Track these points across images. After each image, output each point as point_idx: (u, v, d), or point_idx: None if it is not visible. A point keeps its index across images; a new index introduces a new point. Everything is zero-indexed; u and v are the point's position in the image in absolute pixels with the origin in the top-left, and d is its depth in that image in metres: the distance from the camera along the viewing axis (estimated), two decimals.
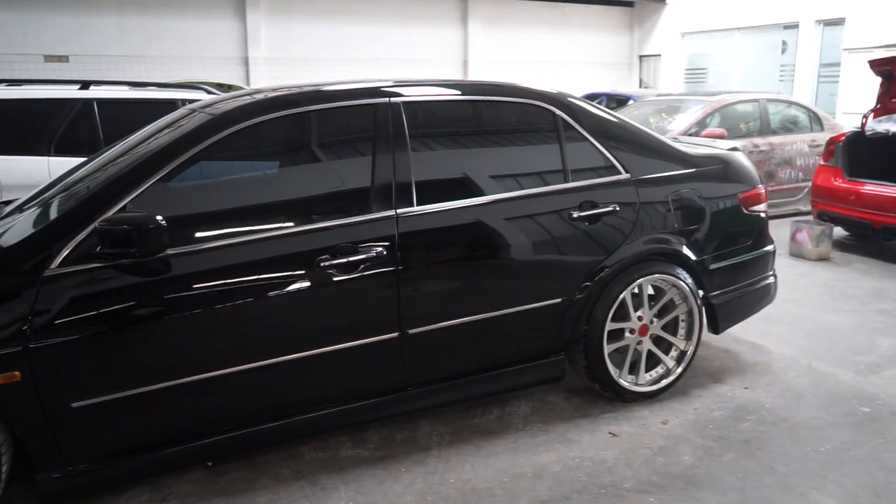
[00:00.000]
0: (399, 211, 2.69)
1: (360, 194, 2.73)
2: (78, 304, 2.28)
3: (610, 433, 2.97)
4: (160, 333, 2.41)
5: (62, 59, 12.48)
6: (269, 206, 2.71)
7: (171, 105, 5.04)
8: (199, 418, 2.56)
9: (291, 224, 2.65)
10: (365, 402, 2.78)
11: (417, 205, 2.73)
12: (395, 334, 2.70)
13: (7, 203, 3.20)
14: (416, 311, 2.74)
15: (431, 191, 2.80)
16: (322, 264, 2.56)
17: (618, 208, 3.08)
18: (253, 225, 2.60)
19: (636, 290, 3.18)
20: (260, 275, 2.53)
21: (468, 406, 3.16)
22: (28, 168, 4.69)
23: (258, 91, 3.04)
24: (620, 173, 3.16)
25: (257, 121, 2.65)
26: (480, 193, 2.90)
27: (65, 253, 2.28)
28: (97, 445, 2.42)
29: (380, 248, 2.63)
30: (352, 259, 2.59)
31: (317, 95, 2.85)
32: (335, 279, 2.58)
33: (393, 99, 2.83)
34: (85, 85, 5.10)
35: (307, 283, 2.57)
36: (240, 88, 6.89)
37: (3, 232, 2.55)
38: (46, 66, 12.29)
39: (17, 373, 2.19)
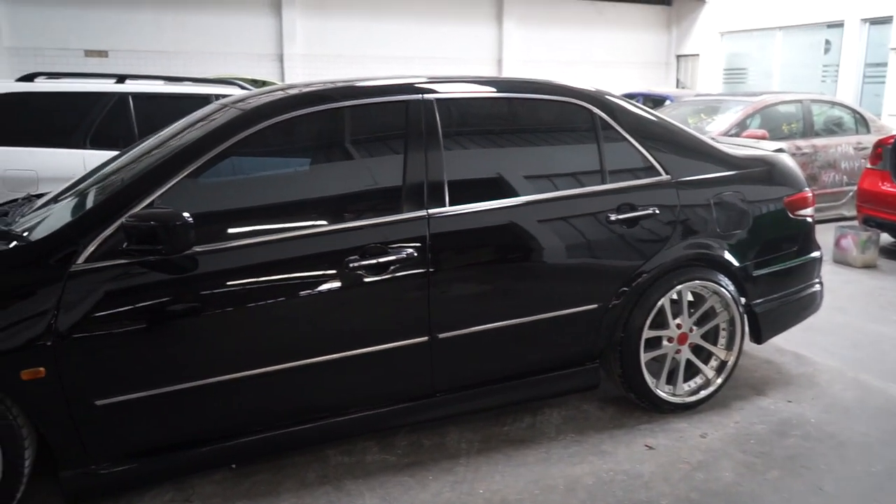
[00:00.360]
0: (431, 211, 2.61)
1: (391, 193, 2.66)
2: (103, 301, 2.25)
3: (646, 446, 2.86)
4: (186, 332, 2.37)
5: (102, 53, 12.66)
6: (298, 203, 2.65)
7: (205, 100, 5.02)
8: (223, 419, 2.51)
9: (320, 223, 2.59)
10: (393, 407, 2.71)
11: (450, 205, 2.65)
12: (425, 338, 2.62)
13: (39, 196, 3.20)
14: (447, 315, 2.65)
15: (464, 191, 2.71)
16: (351, 265, 2.49)
17: (657, 211, 2.96)
18: (281, 223, 2.55)
19: (675, 297, 3.06)
20: (287, 274, 2.47)
21: (498, 413, 3.07)
22: (64, 161, 4.71)
23: (290, 86, 2.99)
24: (660, 175, 3.04)
25: (288, 116, 2.59)
26: (515, 194, 2.80)
27: (91, 248, 2.25)
28: (121, 444, 2.38)
29: (410, 250, 2.55)
30: (381, 260, 2.51)
31: (349, 91, 2.79)
32: (364, 280, 2.51)
33: (426, 96, 2.75)
34: (121, 79, 5.12)
35: (335, 284, 2.50)
36: (272, 84, 6.89)
37: (34, 225, 2.53)
38: (87, 60, 12.49)
39: (41, 368, 2.16)
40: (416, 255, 2.55)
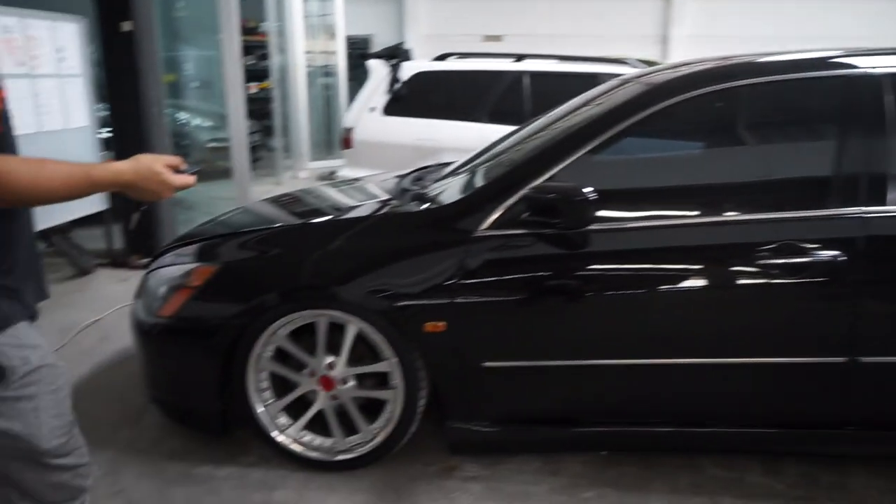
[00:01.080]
0: (866, 209, 2.17)
1: (815, 185, 2.29)
2: (499, 267, 2.32)
3: None
4: (569, 310, 2.35)
5: (497, 38, 13.67)
6: (701, 189, 2.44)
7: (594, 79, 5.01)
8: (595, 405, 2.46)
9: (724, 212, 2.35)
10: (786, 431, 2.37)
11: (892, 204, 2.18)
12: (842, 359, 2.22)
13: (446, 165, 3.48)
14: (875, 337, 2.21)
15: None
16: (758, 262, 2.20)
17: None
18: (680, 208, 2.37)
19: None
20: (682, 264, 2.29)
21: None
22: (465, 133, 5.11)
23: (697, 62, 2.75)
24: None
25: (697, 93, 2.36)
26: None
27: (495, 216, 2.33)
28: (501, 408, 2.47)
29: (836, 252, 2.16)
30: (797, 261, 2.18)
31: (768, 67, 2.46)
32: (772, 282, 2.21)
33: (872, 71, 2.29)
34: (519, 58, 5.37)
35: (736, 282, 2.26)
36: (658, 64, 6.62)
37: (443, 190, 2.73)
38: (483, 45, 13.60)
39: (442, 323, 2.32)
40: (843, 259, 2.15)
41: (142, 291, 2.74)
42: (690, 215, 2.34)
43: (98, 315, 4.18)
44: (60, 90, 4.47)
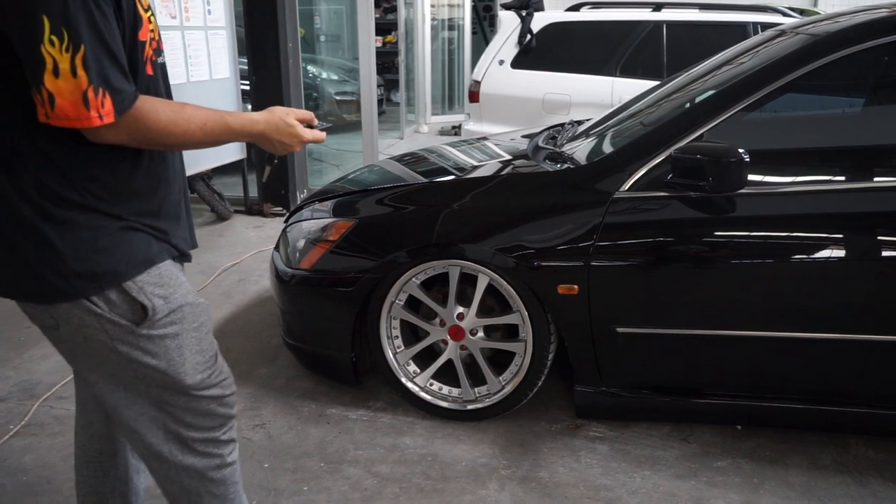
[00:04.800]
0: None
1: None
2: (639, 230, 2.25)
3: None
4: (712, 278, 2.24)
5: None
6: (864, 152, 2.24)
7: (741, 29, 4.70)
8: (730, 376, 2.36)
9: (890, 178, 2.15)
10: None
11: None
12: None
13: (579, 122, 3.38)
14: None
15: None
16: None
17: None
18: (839, 173, 2.20)
19: None
20: (839, 233, 2.13)
21: None
22: (594, 87, 4.95)
23: (864, 9, 2.50)
24: None
25: (868, 46, 2.16)
26: None
27: (636, 177, 2.25)
28: (632, 374, 2.42)
29: None
30: None
31: None
32: None
33: None
34: (657, 7, 5.11)
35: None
36: (814, 13, 6.12)
37: (581, 149, 2.65)
38: None
39: (575, 286, 2.28)
40: None
41: (281, 243, 2.87)
42: (851, 180, 2.16)
43: (236, 259, 4.44)
44: (207, 42, 4.68)
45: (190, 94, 4.48)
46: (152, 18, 1.37)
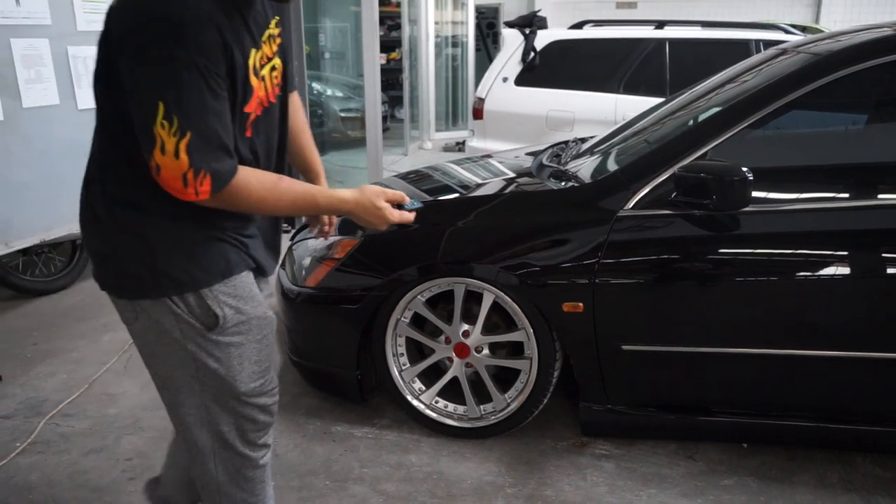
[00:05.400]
0: None
1: None
2: (643, 248, 2.26)
3: None
4: (717, 295, 2.24)
5: (632, 4, 13.15)
6: (867, 169, 2.25)
7: (744, 46, 4.74)
8: (737, 394, 2.36)
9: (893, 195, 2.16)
10: None
11: None
12: None
13: (583, 140, 3.40)
14: None
15: None
16: None
17: None
18: (841, 190, 2.21)
19: None
20: (843, 250, 2.14)
21: None
22: (598, 104, 4.98)
23: (866, 28, 2.52)
24: None
25: (871, 64, 2.17)
26: None
27: (640, 195, 2.26)
28: (638, 392, 2.42)
29: None
30: None
31: None
32: None
33: None
34: (660, 25, 5.15)
35: None
36: (817, 31, 6.15)
37: (585, 167, 2.67)
38: (617, 11, 13.12)
39: (580, 304, 2.29)
40: None
41: (287, 261, 2.88)
42: (854, 198, 2.17)
43: None
44: None
45: None
46: (268, 75, 1.46)
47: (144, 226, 1.40)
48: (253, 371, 1.53)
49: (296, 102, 1.77)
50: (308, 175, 1.86)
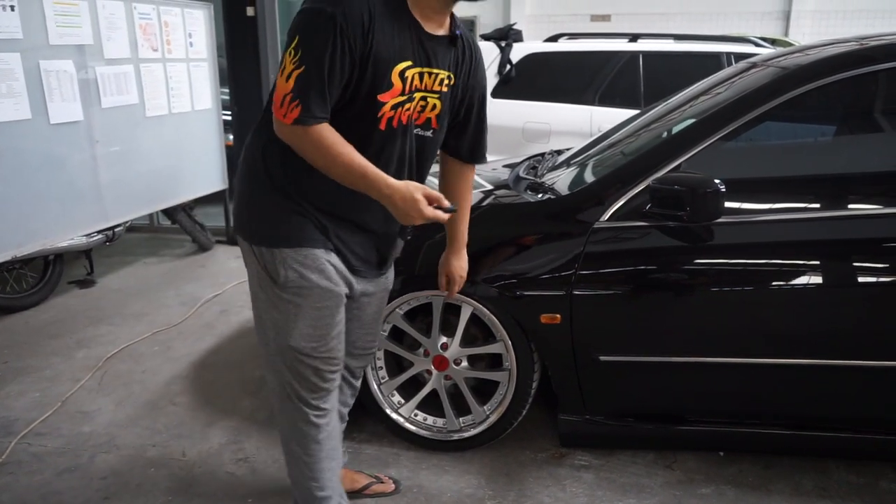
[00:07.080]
0: None
1: None
2: (619, 259, 2.28)
3: None
4: (692, 306, 2.26)
5: (605, 17, 13.32)
6: (838, 180, 2.29)
7: (716, 59, 4.81)
8: (713, 403, 2.38)
9: (864, 205, 2.21)
10: None
11: None
12: None
13: (559, 152, 3.43)
14: None
15: None
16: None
17: None
18: (813, 201, 2.25)
19: None
20: (815, 260, 2.18)
21: None
22: (574, 116, 5.02)
23: (833, 42, 2.58)
24: None
25: (841, 77, 2.22)
26: None
27: (615, 207, 2.28)
28: (616, 402, 2.44)
29: None
30: None
31: None
32: None
33: None
34: (633, 38, 5.21)
35: (873, 280, 2.11)
36: (787, 44, 6.27)
37: (561, 179, 2.69)
38: (591, 24, 13.28)
39: (558, 315, 2.30)
40: None
41: None
42: (825, 208, 2.21)
43: (218, 290, 4.41)
44: (189, 74, 4.70)
45: (170, 126, 4.49)
46: (428, 98, 1.72)
47: (260, 188, 1.73)
48: (307, 333, 1.76)
49: (465, 173, 2.06)
50: (449, 239, 2.15)
